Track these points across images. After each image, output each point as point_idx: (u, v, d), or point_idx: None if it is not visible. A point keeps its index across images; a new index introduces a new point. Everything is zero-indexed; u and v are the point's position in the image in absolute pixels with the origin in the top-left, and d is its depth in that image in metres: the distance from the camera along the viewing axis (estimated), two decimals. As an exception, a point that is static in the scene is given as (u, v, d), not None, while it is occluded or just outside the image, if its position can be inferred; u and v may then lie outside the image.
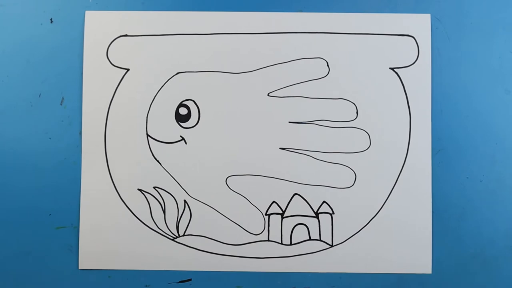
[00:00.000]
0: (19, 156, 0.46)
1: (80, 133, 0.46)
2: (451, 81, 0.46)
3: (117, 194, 0.46)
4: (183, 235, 0.46)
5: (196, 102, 0.46)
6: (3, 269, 0.46)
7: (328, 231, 0.46)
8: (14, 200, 0.46)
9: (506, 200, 0.46)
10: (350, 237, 0.46)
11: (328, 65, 0.46)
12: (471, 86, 0.46)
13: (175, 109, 0.46)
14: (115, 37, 0.46)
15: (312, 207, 0.46)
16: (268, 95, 0.46)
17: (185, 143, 0.46)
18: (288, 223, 0.46)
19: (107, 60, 0.46)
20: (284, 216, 0.46)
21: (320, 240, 0.46)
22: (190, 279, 0.46)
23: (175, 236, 0.46)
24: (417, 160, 0.46)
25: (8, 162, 0.46)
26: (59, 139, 0.46)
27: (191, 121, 0.46)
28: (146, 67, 0.46)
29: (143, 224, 0.46)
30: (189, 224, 0.46)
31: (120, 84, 0.46)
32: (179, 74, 0.46)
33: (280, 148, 0.46)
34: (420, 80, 0.46)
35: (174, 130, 0.46)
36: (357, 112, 0.46)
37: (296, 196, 0.46)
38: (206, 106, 0.46)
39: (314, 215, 0.46)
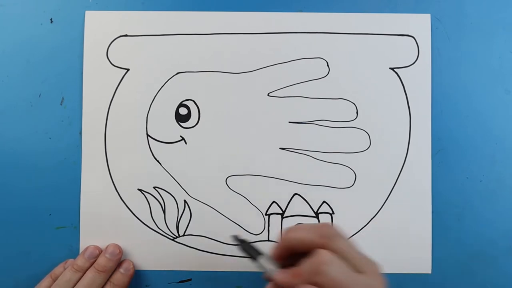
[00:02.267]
0: (19, 156, 0.46)
1: (80, 133, 0.46)
2: (451, 81, 0.46)
3: (117, 194, 0.46)
4: (183, 235, 0.46)
5: (196, 102, 0.46)
6: (3, 269, 0.46)
7: (328, 231, 0.46)
8: (14, 200, 0.46)
9: (506, 200, 0.46)
10: (350, 237, 0.46)
11: (328, 65, 0.46)
12: (471, 86, 0.46)
13: (175, 109, 0.46)
14: (115, 37, 0.46)
15: (312, 207, 0.46)
16: (268, 95, 0.46)
17: (185, 143, 0.46)
18: (288, 223, 0.46)
19: (107, 60, 0.46)
20: (284, 216, 0.46)
21: (320, 240, 0.46)
22: (190, 279, 0.46)
23: (175, 236, 0.46)
24: (417, 160, 0.46)
25: (8, 162, 0.46)
26: (59, 139, 0.46)
27: (191, 121, 0.46)
28: (146, 67, 0.46)
29: (143, 224, 0.46)
30: (189, 224, 0.46)
31: (120, 84, 0.46)
32: (179, 74, 0.46)
33: (280, 148, 0.46)
34: (420, 80, 0.46)
35: (174, 130, 0.46)
36: (357, 112, 0.46)
37: (296, 196, 0.46)
38: (206, 106, 0.46)
39: (314, 215, 0.46)
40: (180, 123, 0.46)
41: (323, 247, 0.31)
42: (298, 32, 0.46)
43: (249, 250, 0.39)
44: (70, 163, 0.46)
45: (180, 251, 0.46)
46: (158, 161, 0.46)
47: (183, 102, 0.46)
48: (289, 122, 0.46)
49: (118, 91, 0.46)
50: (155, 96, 0.46)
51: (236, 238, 0.40)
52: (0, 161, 0.46)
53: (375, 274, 0.31)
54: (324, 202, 0.46)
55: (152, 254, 0.46)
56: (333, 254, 0.30)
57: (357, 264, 0.31)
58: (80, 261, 0.43)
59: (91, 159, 0.46)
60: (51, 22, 0.46)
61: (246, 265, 0.45)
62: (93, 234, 0.45)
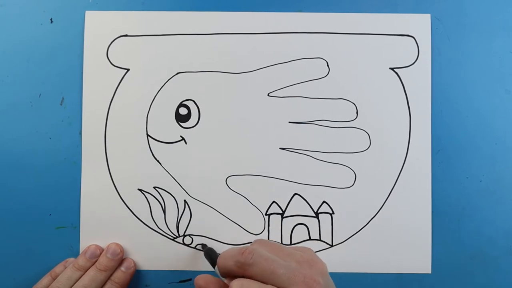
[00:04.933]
0: (19, 156, 0.46)
1: (80, 133, 0.46)
2: (451, 81, 0.46)
3: (117, 194, 0.46)
4: (183, 235, 0.46)
5: (196, 102, 0.46)
6: (3, 269, 0.46)
7: (328, 231, 0.46)
8: (14, 200, 0.46)
9: (506, 200, 0.46)
10: (350, 237, 0.46)
11: (328, 65, 0.46)
12: (471, 86, 0.46)
13: (175, 109, 0.46)
14: (115, 37, 0.46)
15: (312, 207, 0.46)
16: (268, 95, 0.46)
17: (185, 143, 0.46)
18: (288, 223, 0.46)
19: (107, 60, 0.46)
20: (284, 216, 0.46)
21: (320, 240, 0.46)
22: (190, 279, 0.46)
23: (175, 236, 0.46)
24: (417, 160, 0.46)
25: (8, 162, 0.46)
26: (59, 139, 0.46)
27: (191, 121, 0.46)
28: (146, 67, 0.46)
29: (143, 224, 0.46)
30: (189, 224, 0.46)
31: (120, 84, 0.46)
32: (179, 74, 0.46)
33: (280, 148, 0.46)
34: (420, 80, 0.46)
35: (174, 130, 0.46)
36: (357, 112, 0.46)
37: (296, 196, 0.46)
38: (206, 106, 0.46)
39: (314, 215, 0.46)
40: (180, 123, 0.46)
41: (243, 275, 0.31)
42: (298, 32, 0.46)
43: (210, 257, 0.41)
44: (70, 163, 0.46)
45: (180, 251, 0.46)
46: (158, 161, 0.46)
47: (183, 102, 0.46)
48: (289, 122, 0.46)
49: (118, 91, 0.46)
50: (155, 96, 0.46)
51: (202, 246, 0.45)
52: (0, 161, 0.46)
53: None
54: (324, 202, 0.46)
55: (152, 254, 0.46)
56: (249, 281, 0.31)
57: (280, 282, 0.30)
58: (82, 260, 0.43)
59: (91, 159, 0.46)
60: (51, 22, 0.46)
61: (246, 265, 0.45)
62: (93, 234, 0.45)
